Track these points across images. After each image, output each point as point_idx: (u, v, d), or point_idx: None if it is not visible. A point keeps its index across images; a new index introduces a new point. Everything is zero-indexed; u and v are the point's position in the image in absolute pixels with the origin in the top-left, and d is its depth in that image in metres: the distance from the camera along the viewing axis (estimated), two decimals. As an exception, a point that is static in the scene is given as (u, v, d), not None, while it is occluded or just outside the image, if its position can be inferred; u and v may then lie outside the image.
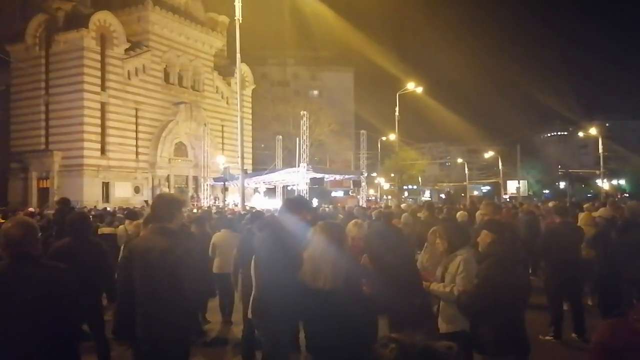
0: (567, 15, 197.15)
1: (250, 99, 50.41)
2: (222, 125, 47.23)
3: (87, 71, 36.52)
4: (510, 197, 48.39)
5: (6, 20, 39.75)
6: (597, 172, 46.11)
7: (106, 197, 36.97)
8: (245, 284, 4.96)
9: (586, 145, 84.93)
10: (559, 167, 67.82)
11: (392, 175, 49.59)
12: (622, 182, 66.18)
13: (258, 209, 17.27)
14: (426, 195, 63.77)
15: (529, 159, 67.06)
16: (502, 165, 53.53)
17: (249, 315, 4.38)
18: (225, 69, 47.83)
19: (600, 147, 43.45)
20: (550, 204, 13.36)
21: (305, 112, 31.94)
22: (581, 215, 8.53)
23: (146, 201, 28.73)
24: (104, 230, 9.60)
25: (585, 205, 11.96)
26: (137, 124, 39.98)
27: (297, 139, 32.19)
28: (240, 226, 7.70)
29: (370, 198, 42.53)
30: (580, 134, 68.01)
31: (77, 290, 2.99)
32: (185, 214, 11.63)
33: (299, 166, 29.99)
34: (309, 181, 30.29)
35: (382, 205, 23.39)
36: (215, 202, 34.41)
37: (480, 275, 3.52)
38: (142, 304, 3.28)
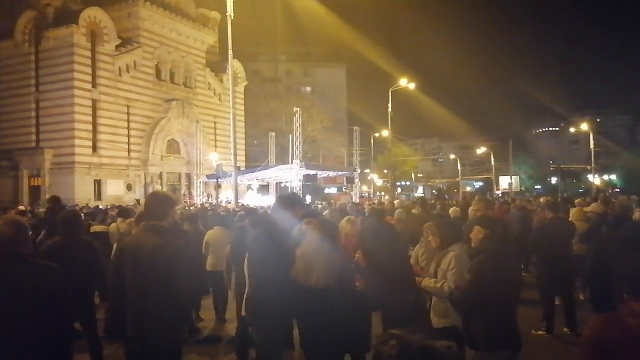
0: (558, 11, 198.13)
1: (242, 96, 50.26)
2: (215, 122, 47.06)
3: (78, 68, 36.21)
4: (502, 193, 48.66)
5: (-5, 16, 39.33)
6: (588, 167, 46.51)
7: (98, 195, 36.74)
8: (239, 281, 4.95)
9: (577, 140, 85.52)
10: (551, 162, 68.33)
11: (385, 171, 49.71)
12: (613, 177, 66.74)
13: (252, 205, 17.24)
14: (419, 192, 63.99)
15: (521, 155, 67.49)
16: (495, 161, 53.81)
17: (243, 313, 4.37)
18: (217, 66, 47.63)
19: (592, 142, 43.78)
20: (542, 200, 13.47)
21: (297, 109, 31.90)
22: (573, 211, 8.58)
23: (137, 200, 28.55)
24: (96, 228, 9.54)
25: (576, 201, 12.06)
26: (128, 121, 39.72)
27: (290, 135, 32.14)
28: (233, 223, 7.68)
29: (363, 194, 42.59)
30: (572, 129, 68.54)
31: (68, 288, 2.97)
32: (179, 212, 11.59)
33: (292, 163, 29.95)
34: (302, 178, 30.27)
35: (375, 202, 23.42)
36: (208, 200, 34.31)
37: (472, 270, 3.53)
38: (133, 302, 3.26)
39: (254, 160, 46.45)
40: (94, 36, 37.48)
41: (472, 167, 75.56)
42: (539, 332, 6.47)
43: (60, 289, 2.89)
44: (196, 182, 37.67)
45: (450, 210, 9.32)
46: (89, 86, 37.02)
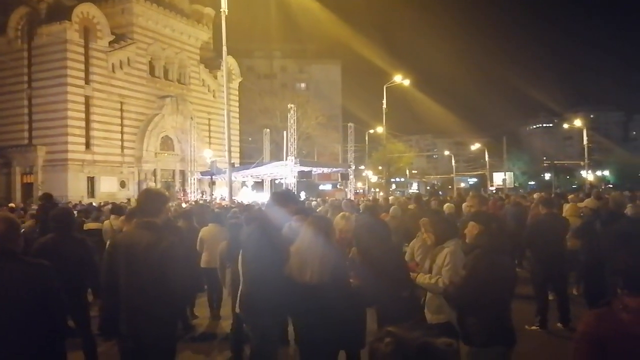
0: (552, 8, 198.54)
1: (237, 92, 50.10)
2: (209, 119, 46.90)
3: (71, 64, 35.95)
4: (496, 189, 48.85)
5: (-14, 12, 38.92)
6: (582, 163, 46.70)
7: (91, 192, 36.54)
8: (235, 278, 4.94)
9: (571, 136, 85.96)
10: (544, 158, 68.64)
11: (380, 167, 49.79)
12: (606, 173, 67.12)
13: (249, 202, 17.19)
14: (414, 188, 64.15)
15: (515, 151, 67.76)
16: (489, 157, 54.00)
17: (237, 310, 4.36)
18: (211, 62, 47.43)
19: (585, 138, 43.98)
20: (536, 195, 13.52)
21: (292, 105, 31.85)
22: (566, 206, 8.62)
23: (128, 199, 28.40)
24: (90, 225, 9.48)
25: (570, 196, 12.12)
26: (122, 118, 39.50)
27: (285, 132, 32.09)
28: (227, 220, 7.65)
29: (358, 191, 42.63)
30: (565, 125, 68.83)
31: (60, 286, 2.95)
32: (173, 209, 11.54)
33: (286, 159, 29.92)
34: (296, 174, 30.24)
35: (370, 198, 23.45)
36: (202, 196, 34.22)
37: (467, 266, 3.54)
38: (126, 299, 3.24)
39: (248, 157, 46.34)
40: (87, 32, 37.21)
41: (467, 163, 75.83)
42: (533, 328, 6.50)
43: (53, 286, 2.87)
44: (190, 179, 37.53)
45: (445, 206, 9.34)
46: (82, 83, 36.77)
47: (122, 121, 39.46)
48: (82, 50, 36.82)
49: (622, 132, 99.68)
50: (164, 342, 3.27)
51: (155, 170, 41.58)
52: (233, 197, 21.04)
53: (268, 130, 40.76)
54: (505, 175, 53.34)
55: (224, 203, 19.97)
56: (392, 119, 45.58)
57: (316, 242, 3.66)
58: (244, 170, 34.00)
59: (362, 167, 51.08)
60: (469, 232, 3.80)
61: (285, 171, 29.95)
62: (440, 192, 33.98)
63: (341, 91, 73.29)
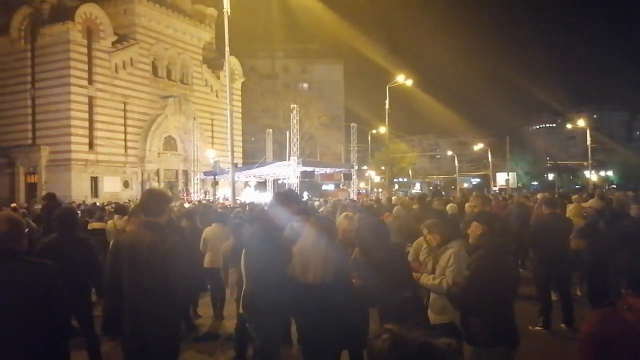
0: (555, 7, 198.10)
1: (239, 92, 50.12)
2: (212, 119, 46.95)
3: (74, 64, 36.03)
4: (499, 189, 48.75)
5: (-10, 13, 39.06)
6: (585, 163, 46.55)
7: (95, 192, 36.61)
8: (239, 278, 4.94)
9: (574, 136, 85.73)
10: (548, 158, 68.48)
11: (383, 168, 49.73)
12: (610, 173, 66.91)
13: (253, 201, 17.17)
14: (416, 188, 64.08)
15: (518, 151, 67.65)
16: (492, 157, 53.89)
17: (240, 310, 4.36)
18: (214, 62, 47.47)
19: (588, 138, 43.86)
20: (539, 196, 13.49)
21: (295, 105, 31.85)
22: (570, 207, 8.60)
23: (129, 200, 28.47)
24: (94, 225, 9.50)
25: (573, 197, 12.08)
26: (125, 118, 39.56)
27: (287, 132, 32.13)
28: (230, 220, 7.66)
29: (361, 191, 42.61)
30: (568, 125, 68.65)
31: (64, 286, 2.95)
32: (176, 209, 11.56)
33: (289, 159, 29.93)
34: (299, 174, 30.25)
35: (373, 198, 23.44)
36: (205, 196, 34.26)
37: (470, 267, 3.53)
38: (129, 299, 3.25)
39: (251, 157, 46.38)
40: (90, 33, 37.29)
41: (470, 163, 75.70)
42: (536, 328, 6.49)
43: (56, 286, 2.88)
44: (193, 179, 37.59)
45: (448, 206, 9.33)
46: (85, 83, 36.85)
47: (125, 121, 39.53)
48: (85, 50, 36.90)
49: (625, 132, 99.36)
50: (167, 341, 3.27)
51: (158, 170, 41.65)
52: (236, 197, 21.06)
53: (271, 130, 40.78)
54: (508, 175, 53.21)
55: (227, 203, 19.99)
56: (395, 119, 45.49)
57: (319, 242, 3.66)
58: (247, 170, 34.04)
59: (365, 167, 51.06)
60: (472, 232, 3.80)
61: (288, 171, 29.96)
62: (443, 192, 33.92)
63: (344, 91, 73.37)
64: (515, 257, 7.46)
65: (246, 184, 38.78)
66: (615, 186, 52.87)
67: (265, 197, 27.70)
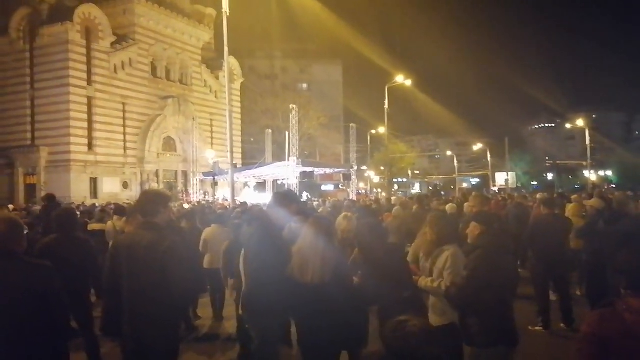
0: (553, 8, 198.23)
1: (238, 93, 50.10)
2: (211, 120, 46.93)
3: (73, 65, 36.01)
4: (499, 189, 48.77)
5: (-11, 14, 39.01)
6: (584, 163, 46.60)
7: (94, 193, 36.60)
8: (238, 280, 4.93)
9: (573, 136, 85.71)
10: (547, 158, 68.53)
11: (382, 168, 49.72)
12: (609, 173, 66.94)
13: (250, 202, 17.17)
14: (416, 188, 64.09)
15: (517, 151, 67.64)
16: (491, 157, 53.91)
17: (240, 311, 4.36)
18: (213, 63, 47.47)
19: (587, 138, 43.89)
20: (539, 196, 13.48)
21: (294, 106, 31.85)
22: (569, 206, 8.59)
23: (129, 201, 28.44)
24: (94, 226, 9.50)
25: (573, 197, 12.07)
26: (124, 119, 39.55)
27: (287, 132, 32.11)
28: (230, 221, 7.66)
29: (360, 192, 42.61)
30: (567, 125, 68.67)
31: (62, 287, 2.95)
32: (175, 209, 11.55)
33: (288, 160, 29.92)
34: (298, 175, 30.24)
35: (372, 199, 23.44)
36: (205, 197, 34.25)
37: (469, 266, 3.53)
38: (128, 300, 3.24)
39: (250, 158, 46.39)
40: (89, 33, 37.27)
41: (469, 163, 75.72)
42: (536, 328, 6.49)
43: (54, 287, 2.88)
44: (193, 180, 37.57)
45: (447, 206, 9.32)
46: (84, 83, 36.83)
47: (124, 122, 39.52)
48: (84, 51, 36.88)
49: (624, 132, 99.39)
50: (167, 342, 3.27)
51: (157, 171, 41.63)
52: (235, 198, 21.04)
53: (270, 130, 40.77)
54: (507, 175, 53.24)
55: (226, 204, 19.98)
56: (394, 119, 45.43)
57: (317, 243, 3.66)
58: (246, 171, 34.01)
59: (364, 167, 51.05)
60: (471, 232, 3.80)
61: (288, 172, 29.94)
62: (442, 193, 33.93)
63: (343, 92, 73.35)
64: (514, 257, 7.47)
65: (245, 184, 38.76)
66: (614, 186, 52.84)
67: (264, 198, 27.69)
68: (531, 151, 78.57)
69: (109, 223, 8.91)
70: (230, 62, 22.27)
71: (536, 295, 6.69)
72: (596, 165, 56.21)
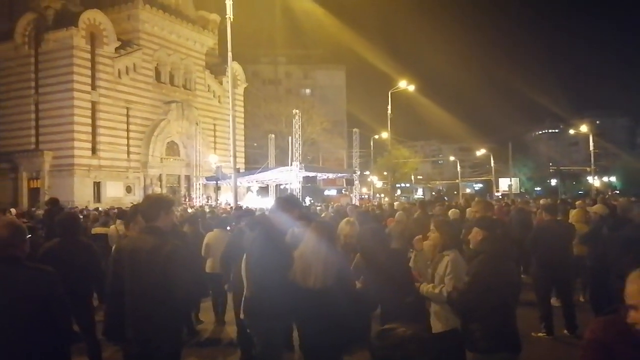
0: (558, 13, 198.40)
1: (242, 98, 50.24)
2: (214, 124, 47.04)
3: (77, 70, 36.20)
4: (502, 195, 48.64)
5: (-6, 19, 39.32)
6: (588, 169, 46.47)
7: (97, 197, 36.69)
8: (236, 284, 4.93)
9: (577, 142, 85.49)
10: (550, 164, 68.34)
11: (385, 173, 49.68)
12: (613, 179, 66.68)
13: (248, 207, 17.20)
14: (419, 194, 63.98)
15: (521, 157, 67.48)
16: (494, 163, 53.80)
17: (241, 316, 4.35)
18: (216, 68, 47.63)
19: (591, 144, 43.77)
20: (542, 201, 13.44)
21: (297, 111, 31.90)
22: (572, 212, 8.56)
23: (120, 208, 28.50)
24: (97, 230, 9.53)
25: (577, 202, 12.02)
26: (128, 123, 39.68)
27: (290, 137, 32.15)
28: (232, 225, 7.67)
29: (363, 196, 42.59)
30: (571, 131, 68.54)
31: (65, 292, 2.95)
32: (179, 214, 11.56)
33: (291, 165, 29.94)
34: (301, 180, 30.26)
35: (375, 204, 23.43)
36: (207, 202, 34.29)
37: (471, 272, 3.52)
38: (131, 304, 3.25)
39: (253, 163, 46.42)
40: (94, 38, 37.48)
41: (472, 169, 75.54)
42: (539, 334, 6.45)
43: (56, 292, 2.88)
44: (195, 184, 37.63)
45: (450, 212, 9.31)
46: (88, 88, 37.01)
47: (128, 126, 39.65)
48: (88, 56, 37.08)
49: (628, 137, 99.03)
50: (169, 346, 3.27)
51: (160, 175, 41.72)
52: (238, 203, 21.06)
53: (273, 135, 40.83)
54: (511, 180, 53.12)
55: (228, 208, 20.00)
56: (397, 124, 45.52)
57: (320, 247, 3.66)
58: (249, 176, 34.06)
59: (367, 172, 51.04)
60: (473, 237, 3.79)
61: (290, 176, 29.97)
62: (445, 198, 33.89)
63: (346, 97, 73.38)
64: (517, 262, 7.45)
65: (248, 189, 38.81)
66: (618, 192, 52.66)
67: (267, 203, 27.71)
68: (535, 157, 78.38)
69: (112, 227, 8.93)
70: (233, 68, 22.34)
71: (538, 301, 6.66)
72: (600, 171, 56.04)
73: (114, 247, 5.87)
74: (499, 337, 3.38)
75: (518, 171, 61.30)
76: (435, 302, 3.83)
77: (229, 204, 25.21)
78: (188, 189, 41.74)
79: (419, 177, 67.16)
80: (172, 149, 43.14)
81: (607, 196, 20.85)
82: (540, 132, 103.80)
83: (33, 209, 23.35)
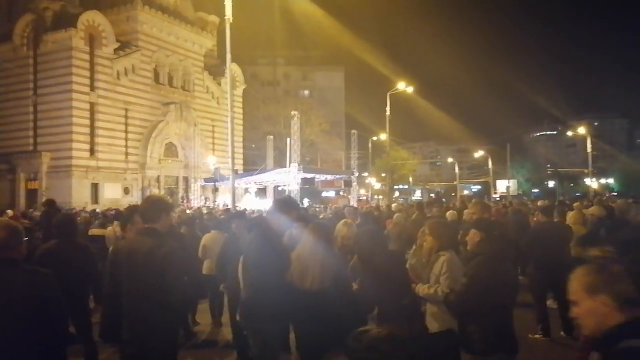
0: (556, 15, 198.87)
1: (240, 99, 50.22)
2: (213, 126, 47.01)
3: (76, 71, 36.16)
4: (500, 196, 48.68)
5: (-7, 20, 39.29)
6: (586, 170, 46.49)
7: (95, 199, 36.61)
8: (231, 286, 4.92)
9: (574, 144, 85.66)
10: (548, 166, 68.44)
11: (383, 175, 49.72)
12: (611, 180, 66.82)
13: (241, 208, 17.19)
14: (417, 195, 64.01)
15: (519, 158, 67.58)
16: (492, 164, 53.84)
17: (237, 318, 4.35)
18: (215, 69, 47.62)
19: (589, 146, 43.80)
20: (540, 203, 13.47)
21: (296, 112, 31.93)
22: (570, 214, 8.57)
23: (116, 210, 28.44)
24: (94, 231, 9.50)
25: (575, 204, 12.05)
26: (126, 125, 39.63)
27: (288, 139, 32.16)
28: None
29: (361, 198, 42.61)
30: (569, 133, 68.64)
31: (61, 294, 2.95)
32: (176, 215, 11.55)
33: (289, 166, 29.95)
34: (299, 181, 30.26)
35: (373, 205, 23.44)
36: (205, 203, 34.27)
37: (468, 273, 3.52)
38: (128, 305, 3.24)
39: (252, 164, 46.42)
40: (93, 40, 37.45)
41: (470, 170, 75.64)
42: (536, 336, 6.46)
43: (53, 295, 2.87)
44: (194, 186, 37.59)
45: (447, 213, 9.32)
46: (87, 89, 36.96)
47: (126, 128, 39.60)
48: (87, 57, 37.04)
49: (626, 139, 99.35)
50: (165, 347, 3.27)
51: (158, 176, 41.67)
52: (236, 204, 21.05)
53: (271, 137, 40.84)
54: (509, 182, 53.17)
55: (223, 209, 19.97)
56: (396, 126, 45.51)
57: (317, 249, 3.66)
58: (247, 177, 34.05)
59: (366, 174, 51.06)
60: (471, 239, 3.79)
61: (289, 178, 29.97)
62: (444, 200, 33.91)
63: (344, 98, 73.46)
64: (514, 264, 7.46)
65: (246, 190, 38.79)
66: (615, 194, 52.73)
67: (265, 204, 27.70)
68: (532, 158, 78.49)
69: (110, 229, 8.91)
70: (232, 69, 22.36)
71: (534, 302, 6.67)
72: (598, 173, 56.09)
73: (111, 249, 5.87)
74: (496, 338, 3.39)
75: (516, 173, 61.36)
76: (431, 302, 3.84)
77: (227, 205, 25.21)
78: (186, 191, 41.70)
79: (417, 178, 67.17)
80: (170, 150, 43.10)
81: (604, 198, 20.87)
82: (538, 134, 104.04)
83: (30, 210, 23.30)
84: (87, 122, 37.09)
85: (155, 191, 38.20)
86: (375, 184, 53.98)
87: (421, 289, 3.82)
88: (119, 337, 3.32)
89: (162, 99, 42.30)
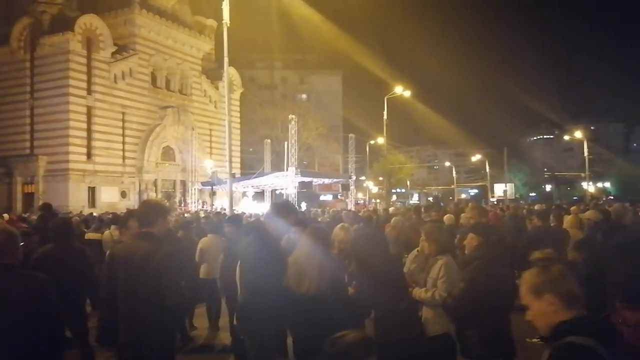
0: (552, 19, 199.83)
1: (238, 103, 50.24)
2: (210, 129, 47.01)
3: (73, 75, 36.13)
4: (497, 200, 48.76)
5: (-10, 23, 39.23)
6: (583, 174, 46.64)
7: (92, 202, 36.53)
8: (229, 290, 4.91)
9: (571, 148, 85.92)
10: (545, 170, 68.66)
11: (381, 178, 49.76)
12: (607, 184, 67.01)
13: (238, 212, 17.16)
14: (414, 199, 64.09)
15: (516, 162, 67.77)
16: (489, 168, 53.95)
17: (233, 322, 4.34)
18: (213, 73, 47.65)
19: (586, 150, 43.95)
20: (536, 207, 13.49)
21: (293, 116, 31.91)
22: (567, 218, 8.59)
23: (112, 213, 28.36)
24: (90, 235, 9.48)
25: (571, 208, 12.07)
26: (123, 128, 39.59)
27: (286, 142, 32.13)
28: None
29: (359, 202, 42.60)
30: (566, 137, 68.90)
31: (57, 298, 2.94)
32: (174, 219, 11.53)
33: (287, 170, 29.92)
34: (297, 185, 30.23)
35: (371, 209, 23.44)
36: (203, 207, 34.20)
37: (466, 278, 3.53)
38: (125, 309, 3.23)
39: (249, 168, 46.37)
40: (90, 43, 37.43)
41: (468, 174, 75.81)
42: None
43: (49, 299, 2.87)
44: (191, 190, 37.52)
45: (445, 217, 9.33)
46: (84, 93, 36.93)
47: (123, 131, 39.55)
48: (84, 60, 37.02)
49: (623, 143, 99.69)
50: (162, 352, 3.26)
51: (156, 180, 41.61)
52: (234, 208, 21.01)
53: (269, 140, 40.81)
54: (506, 186, 53.28)
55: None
56: (393, 129, 45.45)
57: (314, 253, 3.65)
58: (245, 181, 33.99)
59: (363, 177, 51.09)
60: (469, 243, 3.80)
61: (286, 182, 29.93)
62: (442, 204, 33.93)
63: (342, 102, 73.54)
64: (511, 268, 7.46)
65: (244, 194, 38.74)
66: (612, 197, 52.89)
67: (263, 208, 27.66)
68: (530, 162, 78.70)
69: (106, 232, 8.90)
70: (230, 73, 22.36)
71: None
72: (595, 177, 56.29)
73: (107, 253, 5.84)
74: (494, 343, 3.39)
75: (513, 177, 61.54)
76: (427, 306, 3.84)
77: (224, 209, 25.17)
78: (183, 194, 41.62)
79: (414, 182, 67.26)
80: (167, 154, 43.05)
81: (601, 202, 20.94)
82: (535, 138, 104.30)
83: (27, 214, 23.20)
84: (84, 125, 37.04)
85: (152, 195, 38.14)
86: (372, 187, 54.03)
87: (418, 293, 3.82)
88: (116, 342, 3.30)
89: (159, 103, 42.29)
